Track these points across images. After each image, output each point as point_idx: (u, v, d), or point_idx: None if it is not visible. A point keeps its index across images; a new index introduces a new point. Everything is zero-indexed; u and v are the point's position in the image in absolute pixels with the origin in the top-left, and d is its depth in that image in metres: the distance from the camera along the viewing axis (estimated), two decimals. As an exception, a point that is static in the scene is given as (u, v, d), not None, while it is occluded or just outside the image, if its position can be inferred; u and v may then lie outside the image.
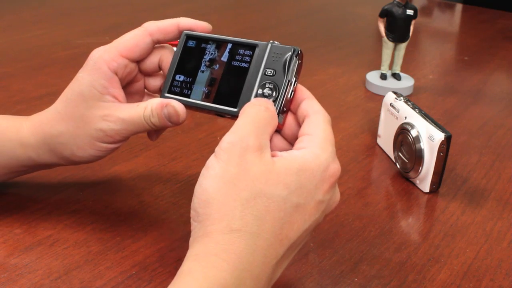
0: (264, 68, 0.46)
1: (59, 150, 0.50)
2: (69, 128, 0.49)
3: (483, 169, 0.67)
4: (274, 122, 0.42)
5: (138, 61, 0.51)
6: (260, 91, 0.45)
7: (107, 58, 0.48)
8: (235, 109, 0.46)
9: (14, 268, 0.47)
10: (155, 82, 0.53)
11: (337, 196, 0.44)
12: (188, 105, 0.48)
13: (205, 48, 0.49)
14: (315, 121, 0.43)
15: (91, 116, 0.48)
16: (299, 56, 0.45)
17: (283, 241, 0.39)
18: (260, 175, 0.39)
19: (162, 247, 0.50)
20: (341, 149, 0.70)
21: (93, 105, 0.48)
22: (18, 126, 0.52)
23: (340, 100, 0.85)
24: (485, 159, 0.69)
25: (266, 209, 0.38)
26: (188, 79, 0.49)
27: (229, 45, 0.48)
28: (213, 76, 0.48)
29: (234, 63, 0.48)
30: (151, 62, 0.51)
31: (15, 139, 0.51)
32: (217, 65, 0.48)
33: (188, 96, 0.49)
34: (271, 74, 0.45)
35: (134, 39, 0.49)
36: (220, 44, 0.49)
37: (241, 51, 0.47)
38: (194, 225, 0.39)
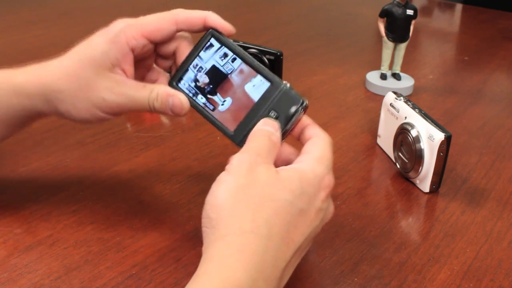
0: (270, 107, 0.47)
1: (55, 103, 0.49)
2: (71, 88, 0.48)
3: (483, 169, 0.67)
4: (276, 149, 0.45)
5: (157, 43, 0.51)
6: None
7: (128, 34, 0.48)
8: (231, 132, 0.47)
9: (14, 268, 0.47)
10: (166, 62, 0.53)
11: (331, 207, 0.46)
12: (191, 104, 0.49)
13: (225, 56, 0.49)
14: (316, 142, 0.46)
15: (97, 83, 0.48)
16: (305, 108, 0.47)
17: (290, 245, 0.40)
18: (267, 183, 0.41)
19: (162, 247, 0.50)
20: (341, 149, 0.70)
21: (101, 73, 0.48)
22: (11, 76, 0.51)
23: (340, 100, 0.85)
24: (485, 159, 0.69)
25: (275, 212, 0.40)
26: (199, 79, 0.50)
27: (248, 67, 0.48)
28: (223, 89, 0.49)
29: (246, 86, 0.48)
30: (168, 47, 0.51)
31: (11, 89, 0.50)
32: (230, 80, 0.49)
33: (194, 95, 0.49)
34: (273, 117, 0.46)
35: (159, 23, 0.49)
36: (240, 60, 0.49)
37: (256, 79, 0.48)
38: (206, 231, 0.40)
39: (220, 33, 0.50)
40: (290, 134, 0.48)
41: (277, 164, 0.47)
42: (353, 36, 1.22)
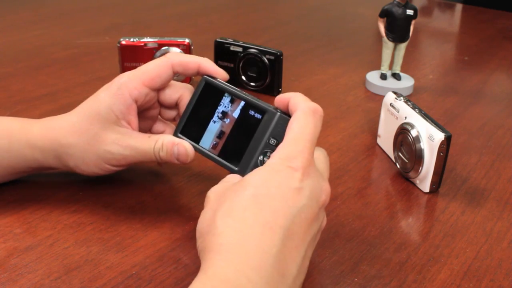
0: (269, 136, 0.47)
1: (65, 159, 0.52)
2: (80, 143, 0.51)
3: (483, 169, 0.67)
4: None
5: (159, 91, 0.53)
6: (261, 158, 0.47)
7: (130, 86, 0.51)
8: (236, 168, 0.48)
9: (14, 268, 0.47)
10: (171, 113, 0.56)
11: (321, 184, 0.44)
12: (196, 149, 0.51)
13: (220, 99, 0.51)
14: (290, 125, 0.45)
15: (104, 137, 0.50)
16: None
17: (274, 229, 0.40)
18: (232, 190, 0.42)
19: (162, 247, 0.50)
20: (341, 149, 0.70)
21: (107, 127, 0.50)
22: (28, 128, 0.53)
23: (340, 100, 0.85)
24: (485, 159, 0.69)
25: (242, 208, 0.41)
26: (200, 126, 0.52)
27: (242, 103, 0.50)
28: (223, 129, 0.50)
29: (243, 122, 0.49)
30: (171, 97, 0.54)
31: (24, 140, 0.52)
32: (228, 120, 0.50)
33: (198, 141, 0.52)
34: (273, 144, 0.47)
35: (156, 69, 0.52)
36: (234, 99, 0.50)
37: (252, 113, 0.49)
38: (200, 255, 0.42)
39: (213, 78, 0.52)
40: None
41: None
42: (353, 36, 1.22)
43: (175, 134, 0.53)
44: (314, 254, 0.50)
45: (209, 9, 1.39)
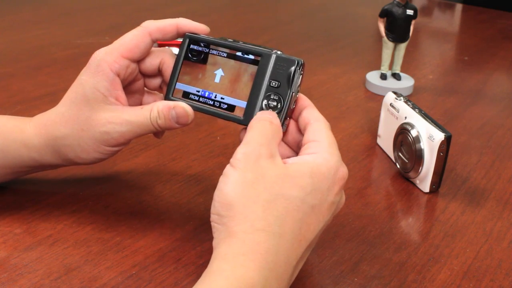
0: (269, 79, 0.46)
1: (63, 151, 0.51)
2: (74, 131, 0.49)
3: (483, 169, 0.67)
4: (279, 133, 0.45)
5: (139, 61, 0.51)
6: (265, 102, 0.46)
7: (109, 60, 0.49)
8: (241, 118, 0.47)
9: (14, 268, 0.47)
10: (155, 81, 0.53)
11: (343, 198, 0.46)
12: (194, 109, 0.49)
13: (208, 53, 0.49)
14: (318, 128, 0.45)
15: (96, 119, 0.48)
16: (302, 67, 0.46)
17: (302, 242, 0.40)
18: (276, 179, 0.41)
19: (162, 247, 0.50)
20: (341, 149, 0.69)
21: (97, 108, 0.48)
22: (22, 127, 0.52)
23: (340, 100, 0.85)
24: (485, 159, 0.69)
25: (286, 210, 0.40)
26: (192, 83, 0.50)
27: (233, 52, 0.48)
28: (218, 82, 0.48)
29: (238, 70, 0.48)
30: (152, 64, 0.51)
31: (19, 140, 0.52)
32: (222, 71, 0.48)
33: (192, 99, 0.49)
34: (275, 86, 0.46)
35: (134, 40, 0.49)
36: (223, 50, 0.49)
37: (246, 59, 0.48)
38: (216, 227, 0.41)
39: (196, 34, 0.50)
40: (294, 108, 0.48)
41: (287, 140, 0.47)
42: (353, 36, 1.22)
43: (167, 98, 0.50)
44: (314, 254, 0.51)
45: (209, 9, 1.39)
